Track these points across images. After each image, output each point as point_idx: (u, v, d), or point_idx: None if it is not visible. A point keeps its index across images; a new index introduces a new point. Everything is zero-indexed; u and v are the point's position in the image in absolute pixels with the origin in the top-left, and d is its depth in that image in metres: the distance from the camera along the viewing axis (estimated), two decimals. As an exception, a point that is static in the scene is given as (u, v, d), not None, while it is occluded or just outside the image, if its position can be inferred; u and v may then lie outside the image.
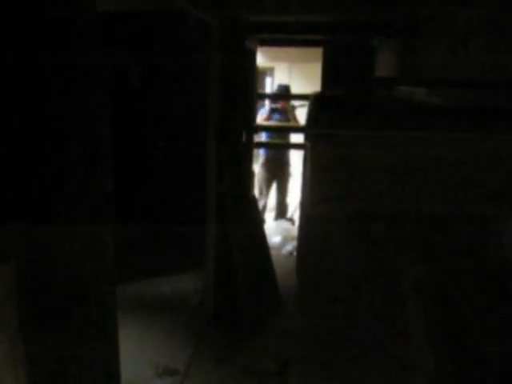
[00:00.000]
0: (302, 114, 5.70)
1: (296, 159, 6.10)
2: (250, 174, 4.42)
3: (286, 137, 5.65)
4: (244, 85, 3.81)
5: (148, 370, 2.83)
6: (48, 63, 1.28)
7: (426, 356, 1.46)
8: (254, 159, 5.00)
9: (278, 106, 5.46)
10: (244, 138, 3.96)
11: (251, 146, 4.36)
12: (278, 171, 5.60)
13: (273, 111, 5.47)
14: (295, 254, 4.58)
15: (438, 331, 1.48)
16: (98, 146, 1.57)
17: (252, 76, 4.31)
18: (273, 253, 4.05)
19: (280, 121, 5.47)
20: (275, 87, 5.77)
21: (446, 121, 1.61)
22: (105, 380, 1.70)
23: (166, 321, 3.42)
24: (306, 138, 1.83)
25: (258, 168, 5.61)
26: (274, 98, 5.77)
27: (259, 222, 3.98)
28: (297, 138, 5.82)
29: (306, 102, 5.53)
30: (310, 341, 1.77)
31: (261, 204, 5.44)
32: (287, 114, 5.54)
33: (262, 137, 5.51)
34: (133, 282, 3.89)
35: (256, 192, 5.26)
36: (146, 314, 3.51)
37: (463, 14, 2.37)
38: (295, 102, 5.72)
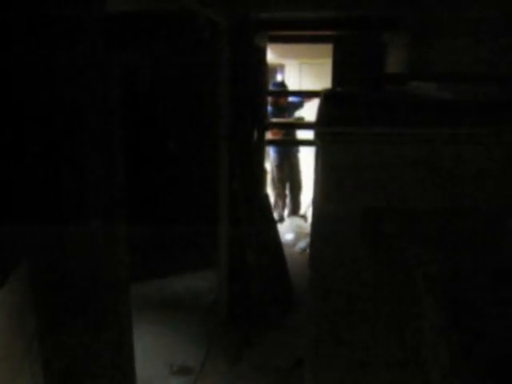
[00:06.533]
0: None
1: (304, 154, 6.07)
2: (262, 172, 4.41)
3: (292, 132, 5.68)
4: (254, 83, 3.80)
5: (162, 368, 2.85)
6: (59, 63, 1.29)
7: (440, 353, 1.46)
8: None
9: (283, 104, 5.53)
10: (255, 136, 3.96)
11: (263, 143, 4.35)
12: (289, 169, 5.61)
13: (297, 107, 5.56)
14: (308, 251, 4.56)
15: (452, 328, 1.47)
16: (110, 146, 1.58)
17: (262, 73, 4.30)
18: (286, 250, 4.05)
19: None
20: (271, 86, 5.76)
21: (457, 116, 1.60)
22: (120, 379, 1.71)
23: (180, 320, 3.44)
24: (317, 136, 1.82)
25: (269, 166, 5.61)
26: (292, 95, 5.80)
27: (271, 219, 3.98)
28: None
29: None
30: (323, 338, 1.77)
31: (279, 205, 5.56)
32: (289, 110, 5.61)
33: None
34: (147, 282, 3.91)
35: (269, 190, 5.26)
36: (160, 312, 3.53)
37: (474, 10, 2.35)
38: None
